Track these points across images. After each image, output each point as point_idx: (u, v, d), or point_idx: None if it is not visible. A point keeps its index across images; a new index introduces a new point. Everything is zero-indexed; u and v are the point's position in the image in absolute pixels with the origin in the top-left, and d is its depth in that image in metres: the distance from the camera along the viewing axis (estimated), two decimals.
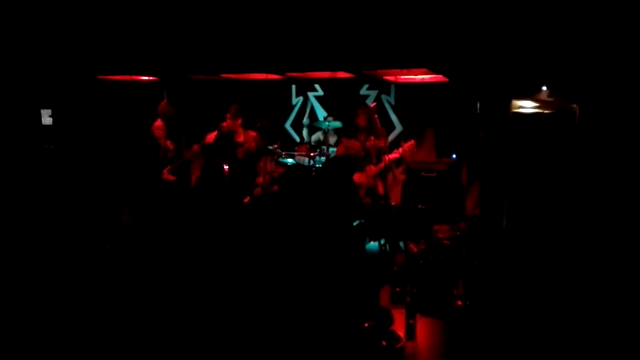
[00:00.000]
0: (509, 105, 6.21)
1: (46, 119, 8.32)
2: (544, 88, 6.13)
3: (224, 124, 6.44)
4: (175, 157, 6.73)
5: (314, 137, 7.81)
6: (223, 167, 6.32)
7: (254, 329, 3.67)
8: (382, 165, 5.86)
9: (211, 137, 6.44)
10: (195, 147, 6.48)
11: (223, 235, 5.86)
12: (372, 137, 6.00)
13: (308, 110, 8.68)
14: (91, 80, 8.17)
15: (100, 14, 6.42)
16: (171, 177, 6.57)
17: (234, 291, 4.39)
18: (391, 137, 7.96)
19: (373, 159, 5.98)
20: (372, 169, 5.95)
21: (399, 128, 8.05)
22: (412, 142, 6.02)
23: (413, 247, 4.80)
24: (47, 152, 8.00)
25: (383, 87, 8.10)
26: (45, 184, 7.55)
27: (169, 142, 6.77)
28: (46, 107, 8.31)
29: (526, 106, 6.25)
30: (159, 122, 6.72)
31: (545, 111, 6.18)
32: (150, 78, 8.27)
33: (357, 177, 5.86)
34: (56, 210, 6.85)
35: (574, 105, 5.98)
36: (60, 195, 7.30)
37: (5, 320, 3.81)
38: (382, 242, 5.46)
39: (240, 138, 6.52)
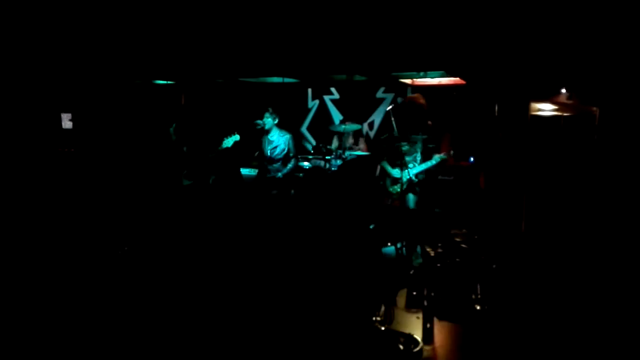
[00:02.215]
0: (527, 108, 6.15)
1: (66, 122, 8.46)
2: (563, 90, 6.06)
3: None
4: (192, 161, 6.79)
5: (333, 145, 7.82)
6: (240, 170, 6.35)
7: (270, 333, 3.68)
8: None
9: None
10: (213, 150, 6.52)
11: (239, 237, 5.90)
12: None
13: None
14: (111, 84, 8.29)
15: (119, 18, 6.51)
16: (189, 180, 6.63)
17: (249, 294, 4.40)
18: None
19: None
20: None
21: None
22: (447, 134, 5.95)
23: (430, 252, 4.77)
24: (67, 155, 8.13)
25: (399, 90, 8.09)
26: (65, 187, 7.67)
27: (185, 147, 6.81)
28: (66, 111, 8.45)
29: (545, 109, 6.18)
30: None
31: (565, 114, 6.11)
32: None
33: None
34: (76, 213, 6.95)
35: (594, 108, 5.91)
36: (80, 198, 7.41)
37: (18, 318, 3.88)
38: (399, 245, 5.44)
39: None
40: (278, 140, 6.40)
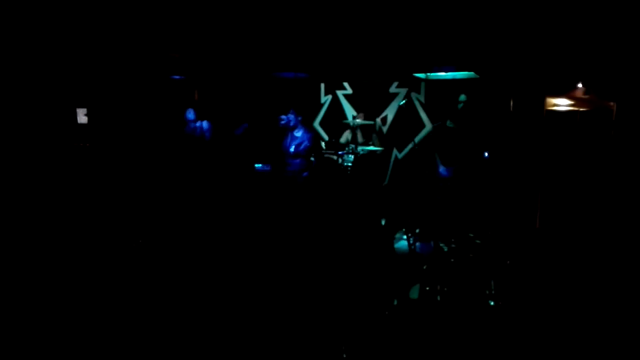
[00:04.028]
0: (543, 103, 6.10)
1: (82, 117, 8.54)
2: (580, 85, 5.99)
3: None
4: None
5: (342, 138, 7.84)
6: (254, 165, 6.39)
7: (282, 326, 3.70)
8: None
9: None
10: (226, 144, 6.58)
11: (252, 230, 5.91)
12: None
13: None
14: (126, 79, 8.35)
15: (133, 13, 6.55)
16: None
17: (262, 287, 4.42)
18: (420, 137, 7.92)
19: None
20: None
21: (429, 126, 7.97)
22: None
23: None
24: (82, 150, 8.22)
25: (413, 84, 8.05)
26: (80, 182, 7.75)
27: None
28: (82, 106, 8.54)
29: (561, 104, 6.12)
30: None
31: (581, 109, 6.05)
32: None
33: None
34: (90, 207, 7.02)
35: (611, 103, 5.84)
36: (95, 193, 7.48)
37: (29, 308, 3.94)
38: (411, 240, 5.43)
39: None
40: (303, 137, 6.59)
